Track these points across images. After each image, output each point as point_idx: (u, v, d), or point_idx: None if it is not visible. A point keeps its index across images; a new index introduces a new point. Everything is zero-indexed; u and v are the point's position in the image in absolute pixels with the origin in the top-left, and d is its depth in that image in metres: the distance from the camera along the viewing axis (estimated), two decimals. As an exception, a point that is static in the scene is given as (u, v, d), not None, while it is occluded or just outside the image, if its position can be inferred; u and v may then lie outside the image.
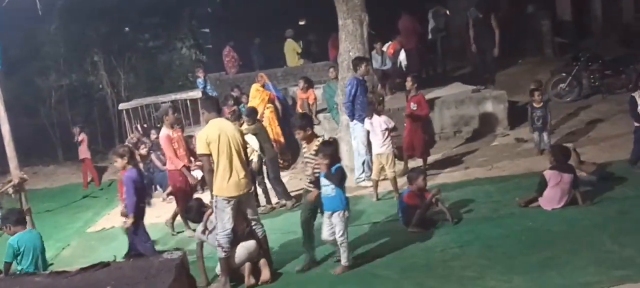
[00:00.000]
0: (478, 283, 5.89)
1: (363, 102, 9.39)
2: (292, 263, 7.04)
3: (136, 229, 7.08)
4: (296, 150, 11.45)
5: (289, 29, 17.65)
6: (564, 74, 12.92)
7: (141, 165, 11.25)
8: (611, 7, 16.50)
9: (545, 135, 9.95)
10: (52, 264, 7.69)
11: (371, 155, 9.34)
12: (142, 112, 13.89)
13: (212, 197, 6.66)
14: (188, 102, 13.61)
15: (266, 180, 9.64)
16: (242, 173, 6.55)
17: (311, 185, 6.72)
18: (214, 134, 6.49)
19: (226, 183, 6.46)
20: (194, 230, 7.46)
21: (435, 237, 7.25)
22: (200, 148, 6.58)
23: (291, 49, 17.56)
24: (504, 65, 15.23)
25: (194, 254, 6.93)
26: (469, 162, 10.31)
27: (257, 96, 12.17)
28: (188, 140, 9.65)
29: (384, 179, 9.13)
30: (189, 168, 8.82)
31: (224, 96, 12.75)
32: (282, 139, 11.72)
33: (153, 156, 11.46)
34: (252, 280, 6.68)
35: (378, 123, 8.98)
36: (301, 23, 20.47)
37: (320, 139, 6.88)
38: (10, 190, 8.40)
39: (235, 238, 6.63)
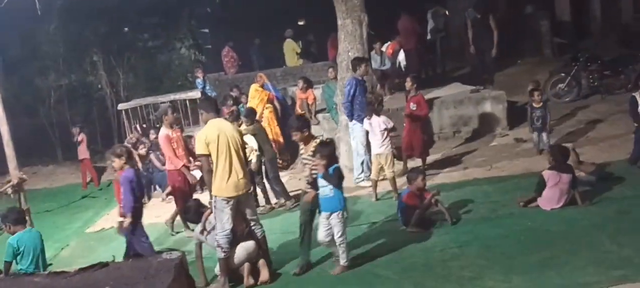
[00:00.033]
0: (477, 283, 5.89)
1: (362, 102, 9.39)
2: (292, 263, 7.04)
3: (134, 229, 7.08)
4: (295, 150, 11.41)
5: (288, 29, 17.64)
6: (562, 74, 12.94)
7: (140, 165, 11.30)
8: (610, 7, 16.52)
9: (544, 136, 9.96)
10: (51, 264, 7.68)
11: (370, 155, 9.34)
12: (141, 112, 13.88)
13: (211, 197, 6.67)
14: (187, 102, 13.61)
15: (265, 181, 9.65)
16: (241, 174, 6.55)
17: (309, 186, 6.72)
18: (213, 134, 6.49)
19: (225, 184, 6.46)
20: (193, 231, 7.46)
21: (434, 237, 7.25)
22: (199, 149, 6.59)
23: (290, 49, 17.56)
24: (503, 65, 15.25)
25: (191, 254, 6.94)
26: (467, 162, 10.31)
27: (256, 96, 12.17)
28: (187, 140, 9.66)
29: (383, 179, 9.14)
30: (188, 168, 8.82)
31: (223, 96, 12.76)
32: (281, 139, 11.72)
33: (152, 156, 11.46)
34: (251, 281, 6.68)
35: (377, 123, 8.99)
36: (300, 23, 20.47)
37: (318, 140, 6.88)
38: (10, 190, 8.40)
39: (235, 238, 6.63)
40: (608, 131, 10.64)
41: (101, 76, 16.24)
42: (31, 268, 6.72)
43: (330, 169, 6.43)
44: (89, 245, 9.41)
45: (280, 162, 11.20)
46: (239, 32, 18.88)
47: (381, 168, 8.99)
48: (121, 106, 14.05)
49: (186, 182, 8.79)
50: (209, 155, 6.51)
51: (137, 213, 7.09)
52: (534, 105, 10.09)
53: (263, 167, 9.60)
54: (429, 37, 16.51)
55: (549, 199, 7.48)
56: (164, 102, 12.54)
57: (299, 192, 8.25)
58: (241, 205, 6.68)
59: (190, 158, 8.89)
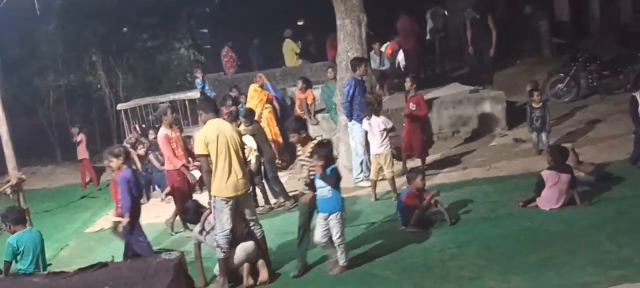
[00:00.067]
0: (476, 283, 5.90)
1: (361, 103, 9.39)
2: (291, 263, 7.04)
3: (132, 229, 7.07)
4: (294, 150, 11.36)
5: (287, 29, 17.65)
6: (562, 75, 12.95)
7: (139, 166, 11.31)
8: (609, 7, 16.53)
9: (543, 136, 9.96)
10: (50, 264, 7.67)
11: (369, 155, 9.34)
12: (141, 112, 13.88)
13: (210, 198, 6.67)
14: (186, 102, 13.60)
15: (264, 181, 9.64)
16: (240, 174, 6.56)
17: (306, 187, 6.71)
18: (212, 134, 6.49)
19: (224, 184, 6.46)
20: (192, 231, 7.46)
21: (433, 237, 7.25)
22: (198, 149, 6.59)
23: (290, 49, 17.56)
24: (502, 65, 15.26)
25: (190, 254, 6.93)
26: (467, 162, 10.31)
27: (255, 96, 12.16)
28: (186, 140, 9.66)
29: (382, 179, 9.14)
30: (187, 168, 8.81)
31: (222, 96, 12.75)
32: (280, 139, 11.71)
33: (151, 156, 11.45)
34: (251, 281, 6.68)
35: (376, 123, 8.99)
36: (300, 23, 20.49)
37: (315, 141, 6.87)
38: (9, 191, 8.39)
39: (234, 238, 6.63)
40: (607, 131, 10.65)
41: (100, 76, 16.24)
42: (31, 268, 6.71)
43: (328, 170, 6.42)
44: (88, 245, 9.40)
45: (280, 162, 11.20)
46: (238, 32, 18.89)
47: (380, 169, 8.99)
48: (120, 106, 14.04)
49: (185, 182, 8.79)
50: (208, 156, 6.51)
51: (134, 213, 7.08)
52: (533, 105, 10.10)
53: (262, 167, 9.59)
54: (428, 37, 16.54)
55: (548, 199, 7.49)
56: (163, 102, 12.54)
57: (298, 192, 8.26)
58: (240, 205, 6.68)
59: (190, 158, 8.89)
